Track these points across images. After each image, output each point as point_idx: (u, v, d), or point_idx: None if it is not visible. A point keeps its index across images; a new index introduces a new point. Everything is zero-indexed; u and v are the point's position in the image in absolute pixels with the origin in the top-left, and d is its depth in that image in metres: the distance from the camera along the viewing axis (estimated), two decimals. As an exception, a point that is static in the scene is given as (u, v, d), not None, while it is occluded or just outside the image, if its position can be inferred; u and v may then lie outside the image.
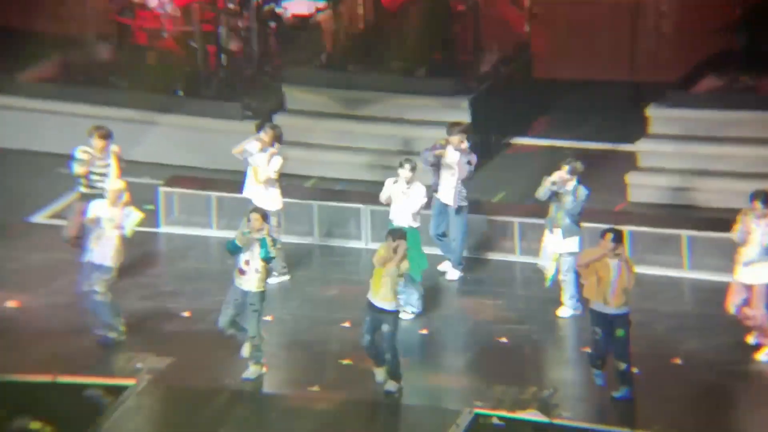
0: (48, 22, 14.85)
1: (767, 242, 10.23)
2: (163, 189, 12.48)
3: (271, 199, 11.24)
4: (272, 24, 13.97)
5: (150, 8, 13.82)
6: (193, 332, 10.67)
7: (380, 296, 9.93)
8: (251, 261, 10.04)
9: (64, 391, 9.98)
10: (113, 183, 10.49)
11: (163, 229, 12.42)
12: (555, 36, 14.11)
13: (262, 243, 10.01)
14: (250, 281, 10.07)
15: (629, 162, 12.73)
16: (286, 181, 12.88)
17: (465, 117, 13.29)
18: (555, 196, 10.66)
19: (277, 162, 11.22)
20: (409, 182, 10.83)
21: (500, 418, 9.48)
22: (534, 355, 10.41)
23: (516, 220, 11.66)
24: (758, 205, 10.29)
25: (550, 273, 10.78)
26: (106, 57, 13.99)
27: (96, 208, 10.44)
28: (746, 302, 10.30)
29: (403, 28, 13.64)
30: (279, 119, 13.59)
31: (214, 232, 12.11)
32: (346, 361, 10.51)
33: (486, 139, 13.48)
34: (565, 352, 10.60)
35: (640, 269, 11.25)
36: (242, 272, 10.08)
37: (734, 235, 10.34)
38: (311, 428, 9.65)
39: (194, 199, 12.33)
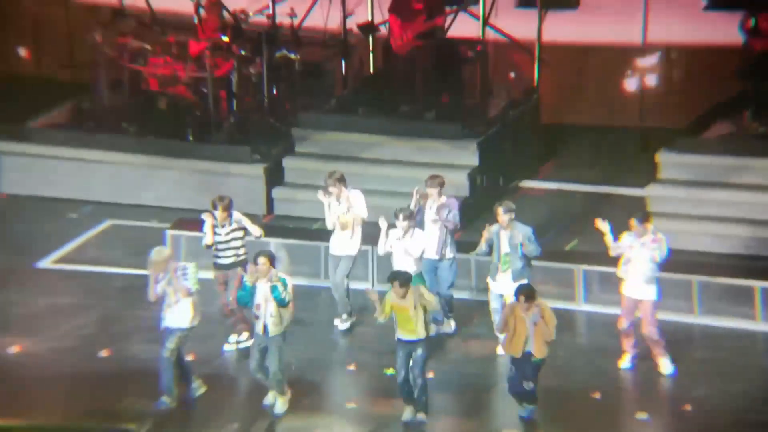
0: (60, 68, 15.05)
1: (657, 257, 10.38)
2: (170, 232, 12.53)
3: (354, 244, 11.27)
4: (283, 70, 14.07)
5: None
6: (199, 376, 10.63)
7: (411, 332, 9.92)
8: (263, 305, 9.99)
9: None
10: (156, 254, 10.32)
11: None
12: (563, 81, 14.15)
13: (273, 291, 9.95)
14: (266, 326, 10.02)
15: (638, 207, 12.68)
16: (293, 223, 12.96)
17: (473, 160, 13.31)
18: (490, 248, 10.71)
19: (360, 198, 11.23)
20: (406, 232, 10.75)
21: None
22: (540, 399, 10.26)
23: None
24: (634, 223, 10.43)
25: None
26: (118, 103, 14.11)
27: (153, 279, 10.24)
28: (633, 322, 10.41)
29: (412, 72, 13.70)
30: (288, 162, 13.68)
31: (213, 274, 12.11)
32: (351, 405, 10.43)
33: (494, 183, 13.48)
34: (571, 398, 10.45)
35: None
36: (257, 317, 10.04)
37: (613, 249, 10.50)
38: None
39: (200, 241, 12.33)
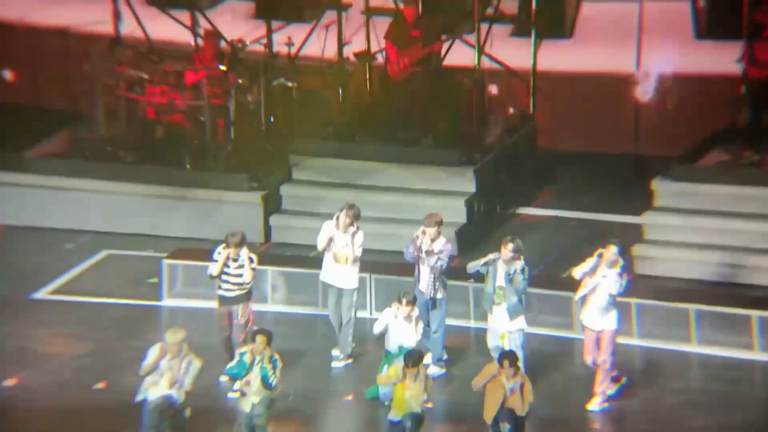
0: (56, 98, 15.07)
1: (615, 291, 10.32)
2: (167, 261, 12.49)
3: (353, 278, 11.20)
4: (280, 98, 14.07)
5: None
6: (195, 407, 10.56)
7: (401, 410, 9.88)
8: (252, 383, 9.96)
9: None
10: (171, 335, 10.19)
11: (166, 302, 12.41)
12: (559, 109, 14.17)
13: (263, 373, 9.89)
14: (250, 401, 9.97)
15: (635, 234, 12.65)
16: (291, 251, 12.92)
17: (470, 187, 13.30)
18: (484, 274, 10.60)
19: (361, 239, 11.18)
20: (408, 316, 10.62)
21: None
22: (538, 429, 10.18)
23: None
24: (613, 250, 10.37)
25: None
26: (114, 132, 14.10)
27: (154, 356, 10.14)
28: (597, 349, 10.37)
29: (409, 99, 13.70)
30: (285, 189, 13.66)
31: (217, 305, 12.07)
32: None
33: (491, 209, 13.46)
34: (569, 428, 10.35)
35: (647, 343, 11.29)
36: (243, 394, 9.99)
37: (577, 271, 10.44)
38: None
39: (198, 270, 12.32)
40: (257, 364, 9.98)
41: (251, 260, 11.05)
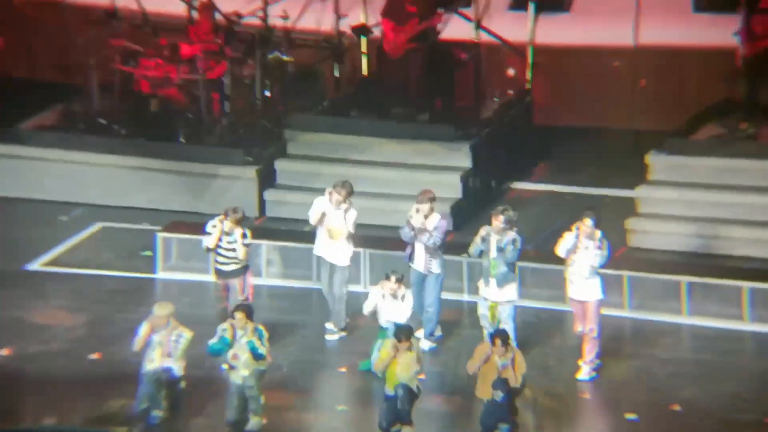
0: (51, 71, 15.01)
1: (596, 263, 10.40)
2: (161, 234, 12.46)
3: (345, 255, 11.20)
4: (276, 72, 14.03)
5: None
6: (189, 378, 10.56)
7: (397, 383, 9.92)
8: (240, 356, 10.00)
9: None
10: (159, 308, 10.26)
11: (160, 275, 12.39)
12: (555, 83, 14.14)
13: (250, 346, 9.95)
14: (240, 374, 10.02)
15: (629, 208, 12.67)
16: (285, 226, 12.91)
17: (466, 162, 13.27)
18: (486, 249, 10.68)
19: (354, 215, 11.18)
20: (395, 294, 10.64)
21: None
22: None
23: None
24: (588, 222, 10.40)
25: (489, 326, 10.70)
26: (109, 105, 14.04)
27: (144, 331, 10.18)
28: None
29: (405, 74, 13.66)
30: (280, 164, 13.63)
31: (210, 277, 12.05)
32: (342, 407, 10.36)
33: (487, 184, 13.43)
34: (561, 398, 10.39)
35: (640, 315, 11.36)
36: (232, 368, 10.04)
37: (559, 249, 10.49)
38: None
39: (193, 244, 12.30)
40: (241, 338, 9.98)
41: (245, 236, 11.03)
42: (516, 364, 9.88)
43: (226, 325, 10.11)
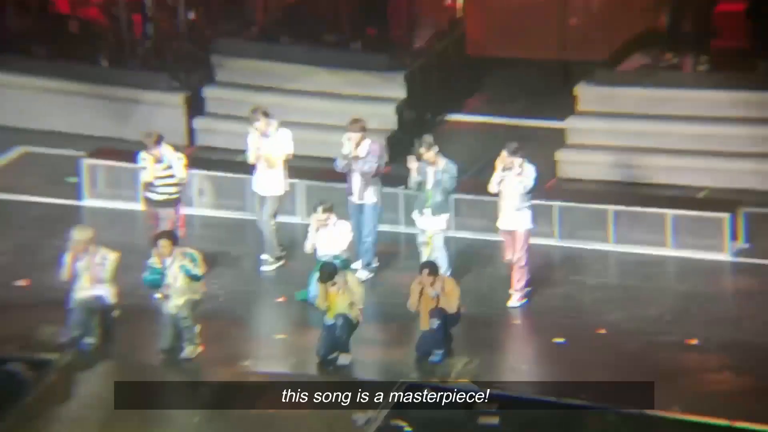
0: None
1: (521, 190, 10.60)
2: (87, 161, 12.05)
3: (276, 185, 10.97)
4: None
5: None
6: (122, 306, 10.26)
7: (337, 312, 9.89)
8: (172, 284, 9.80)
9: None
10: (78, 233, 9.88)
11: (87, 202, 12.01)
12: (487, 14, 14.05)
13: (184, 270, 9.76)
14: (174, 303, 9.83)
15: (559, 139, 12.78)
16: (217, 156, 12.57)
17: (401, 92, 13.12)
18: (423, 180, 10.69)
19: (286, 136, 10.92)
20: (326, 223, 10.52)
21: (485, 414, 9.36)
22: (463, 327, 10.26)
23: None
24: (504, 154, 10.67)
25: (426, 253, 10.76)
26: (25, 25, 13.43)
27: (69, 259, 9.81)
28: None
29: (337, 0, 13.37)
30: (208, 92, 13.26)
31: (139, 206, 11.70)
32: (280, 336, 10.25)
33: (422, 116, 13.32)
34: (493, 325, 10.52)
35: (568, 243, 11.54)
36: (166, 297, 9.85)
37: (490, 185, 10.70)
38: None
39: (119, 171, 11.90)
40: (171, 265, 9.74)
41: (179, 159, 10.69)
42: (447, 291, 9.94)
43: (153, 257, 9.84)
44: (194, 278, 9.80)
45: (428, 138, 10.73)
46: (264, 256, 11.18)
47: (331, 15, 13.43)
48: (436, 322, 9.85)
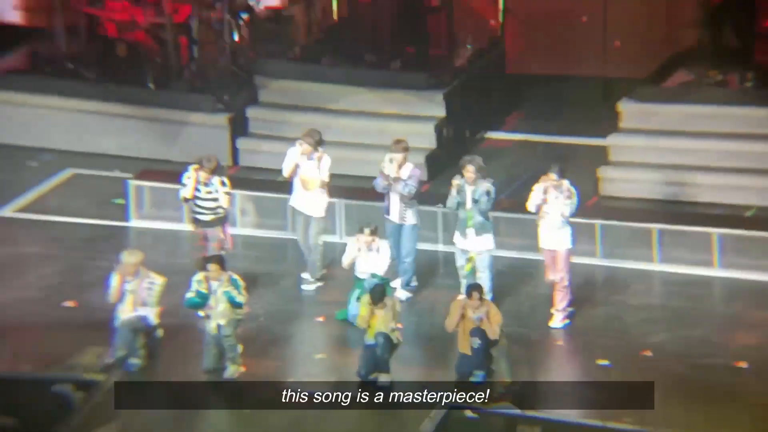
0: (17, 13, 14.66)
1: (567, 212, 10.64)
2: (133, 182, 12.36)
3: (320, 205, 11.17)
4: (245, 16, 13.84)
5: None
6: (166, 326, 10.53)
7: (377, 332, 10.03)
8: (214, 306, 10.03)
9: (33, 387, 9.80)
10: (128, 256, 10.21)
11: (133, 222, 12.31)
12: (528, 32, 14.12)
13: (228, 296, 9.98)
14: (216, 323, 10.05)
15: (601, 156, 12.78)
16: (259, 175, 12.82)
17: (440, 111, 13.26)
18: (462, 201, 10.78)
19: (327, 164, 11.14)
20: (370, 247, 10.67)
21: (474, 411, 9.45)
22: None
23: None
24: (553, 176, 10.66)
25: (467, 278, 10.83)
26: (75, 49, 13.80)
27: (116, 281, 10.13)
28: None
29: (377, 20, 13.55)
30: (251, 112, 13.51)
31: (184, 226, 11.97)
32: (320, 356, 10.44)
33: (461, 134, 13.45)
34: (534, 346, 10.59)
35: (611, 263, 11.53)
36: (208, 317, 10.07)
37: (529, 204, 10.74)
38: (287, 420, 9.55)
39: (165, 192, 12.18)
40: (217, 289, 9.98)
41: (224, 184, 10.96)
42: (490, 316, 10.00)
43: (200, 276, 10.09)
44: (236, 305, 10.02)
45: (478, 159, 10.76)
46: (304, 275, 11.38)
47: (372, 35, 13.63)
48: (477, 341, 9.90)
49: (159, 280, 10.20)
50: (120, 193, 12.34)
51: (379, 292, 10.08)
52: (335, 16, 14.19)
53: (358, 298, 10.39)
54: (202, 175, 10.92)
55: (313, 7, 14.14)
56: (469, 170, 10.73)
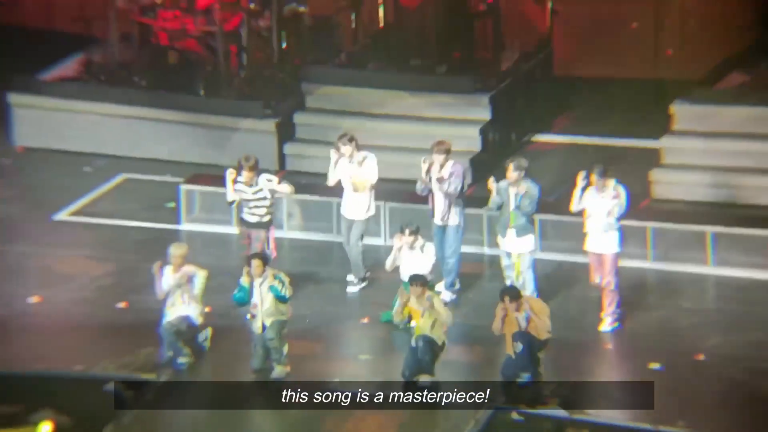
0: (70, 22, 15.01)
1: (615, 213, 10.50)
2: (184, 187, 12.58)
3: (363, 208, 11.29)
4: (292, 24, 14.03)
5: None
6: (214, 327, 10.71)
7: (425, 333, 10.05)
8: (259, 305, 10.12)
9: (86, 386, 10.06)
10: (175, 248, 10.39)
11: (185, 226, 12.52)
12: (577, 33, 14.08)
13: (273, 291, 10.08)
14: (260, 323, 10.15)
15: (653, 159, 12.69)
16: (305, 179, 13.00)
17: (485, 115, 13.30)
18: (504, 201, 10.75)
19: (373, 163, 11.24)
20: (412, 246, 10.71)
21: (519, 413, 9.47)
22: (552, 351, 10.37)
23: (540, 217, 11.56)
24: (595, 178, 10.52)
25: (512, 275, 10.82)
26: (128, 57, 14.08)
27: (166, 277, 10.31)
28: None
29: (423, 25, 13.64)
30: (299, 117, 13.68)
31: (233, 229, 12.17)
32: (364, 357, 10.55)
33: (506, 137, 13.48)
34: (583, 349, 10.58)
35: (664, 266, 11.41)
36: (253, 316, 10.18)
37: (572, 206, 10.65)
38: (332, 421, 9.68)
39: (215, 196, 12.38)
40: (260, 285, 10.09)
41: (270, 181, 11.02)
42: (536, 311, 9.92)
43: (243, 275, 10.23)
44: (281, 299, 10.15)
45: (522, 161, 10.76)
46: (350, 278, 11.50)
47: (418, 40, 13.72)
48: (519, 346, 9.88)
49: (201, 272, 10.34)
50: (172, 197, 12.58)
51: (419, 277, 10.00)
52: (381, 22, 14.34)
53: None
54: (246, 176, 11.04)
55: (360, 14, 14.29)
56: (510, 169, 10.74)
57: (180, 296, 10.31)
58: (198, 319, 10.43)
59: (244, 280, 10.20)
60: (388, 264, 10.88)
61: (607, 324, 10.70)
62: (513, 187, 10.79)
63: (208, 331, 10.59)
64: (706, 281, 11.28)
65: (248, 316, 10.34)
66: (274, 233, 11.24)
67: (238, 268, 11.10)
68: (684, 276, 11.27)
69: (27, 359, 10.38)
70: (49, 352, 10.49)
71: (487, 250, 11.75)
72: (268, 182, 11.08)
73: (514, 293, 10.02)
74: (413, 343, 10.11)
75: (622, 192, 10.58)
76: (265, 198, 11.05)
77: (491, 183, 10.84)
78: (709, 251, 11.36)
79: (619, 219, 10.60)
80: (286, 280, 10.25)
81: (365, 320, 11.02)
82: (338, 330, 10.93)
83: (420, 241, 10.79)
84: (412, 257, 10.78)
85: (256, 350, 10.28)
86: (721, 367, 10.13)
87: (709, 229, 11.39)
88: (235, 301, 10.31)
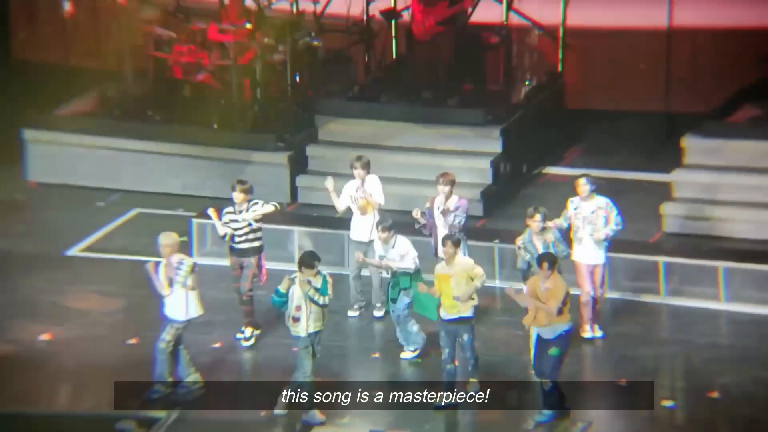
0: (85, 57, 15.18)
1: (611, 235, 10.65)
2: (196, 220, 12.65)
3: (368, 230, 11.35)
4: (306, 57, 14.12)
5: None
6: (225, 362, 10.74)
7: (452, 308, 10.01)
8: (303, 307, 10.08)
9: (97, 424, 10.08)
10: (164, 237, 10.43)
11: (196, 259, 12.48)
12: (589, 66, 14.11)
13: (323, 282, 10.00)
14: (304, 327, 10.11)
15: (664, 192, 12.65)
16: (317, 212, 13.03)
17: (497, 147, 13.33)
18: (533, 256, 10.58)
19: (374, 182, 11.33)
20: (387, 241, 10.73)
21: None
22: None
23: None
24: (537, 218, 10.63)
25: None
26: (143, 91, 14.21)
27: (151, 270, 10.38)
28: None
29: (434, 58, 13.71)
30: (311, 150, 13.75)
31: (228, 256, 12.17)
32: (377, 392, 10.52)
33: (518, 169, 13.49)
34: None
35: (676, 301, 11.34)
36: (296, 320, 10.11)
37: (560, 220, 10.75)
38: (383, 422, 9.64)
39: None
40: (300, 289, 9.92)
41: (256, 203, 11.01)
42: (555, 286, 9.66)
43: (283, 281, 10.05)
44: (323, 306, 9.92)
45: (542, 209, 10.64)
46: (375, 312, 11.43)
47: (429, 73, 13.78)
48: (556, 350, 9.68)
49: (187, 261, 10.31)
50: (184, 232, 12.64)
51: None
52: (394, 55, 14.41)
53: (395, 287, 10.52)
54: (237, 197, 11.01)
55: (372, 47, 14.38)
56: (536, 219, 10.56)
57: (168, 286, 10.26)
58: (189, 314, 10.27)
59: (282, 287, 10.01)
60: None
61: (597, 329, 10.66)
62: (537, 237, 10.62)
63: (196, 376, 10.43)
64: (719, 317, 11.19)
65: (290, 322, 10.05)
66: (264, 260, 11.19)
67: (239, 302, 11.10)
68: (696, 311, 11.18)
69: (37, 398, 10.41)
70: (60, 391, 10.52)
71: (498, 284, 11.70)
72: (254, 206, 11.07)
73: (552, 260, 9.80)
74: (446, 316, 9.92)
75: (612, 207, 10.60)
76: (252, 224, 11.05)
77: (519, 243, 10.65)
78: (722, 286, 11.29)
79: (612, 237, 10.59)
80: (329, 279, 10.10)
81: (376, 355, 10.98)
82: (349, 365, 10.88)
83: (394, 236, 10.72)
84: (389, 254, 10.69)
85: (303, 354, 9.91)
86: (735, 405, 10.02)
87: (722, 264, 11.32)
88: (275, 305, 10.14)
